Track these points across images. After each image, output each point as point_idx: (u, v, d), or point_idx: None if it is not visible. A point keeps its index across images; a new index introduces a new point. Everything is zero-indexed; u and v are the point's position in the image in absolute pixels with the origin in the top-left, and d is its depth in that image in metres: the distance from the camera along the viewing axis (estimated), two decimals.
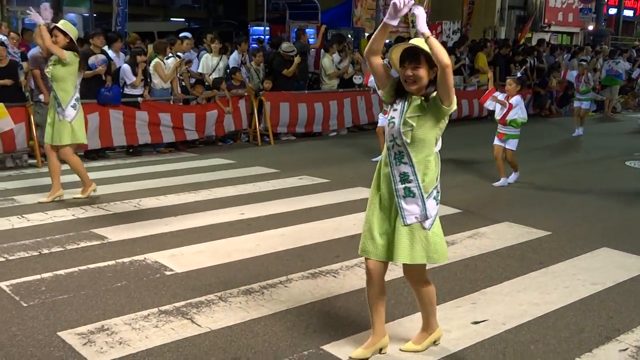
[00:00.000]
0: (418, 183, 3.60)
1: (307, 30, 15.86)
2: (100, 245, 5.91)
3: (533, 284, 5.22)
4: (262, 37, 21.42)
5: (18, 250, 5.73)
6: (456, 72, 16.09)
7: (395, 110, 3.68)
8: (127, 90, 10.77)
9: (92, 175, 9.16)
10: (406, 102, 3.63)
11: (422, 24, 3.44)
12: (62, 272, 5.21)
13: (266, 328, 4.28)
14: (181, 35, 12.89)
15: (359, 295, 4.83)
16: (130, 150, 11.03)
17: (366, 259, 3.82)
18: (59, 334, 4.13)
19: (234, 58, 12.85)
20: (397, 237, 3.63)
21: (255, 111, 12.23)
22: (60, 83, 7.29)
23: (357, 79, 13.64)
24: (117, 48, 11.58)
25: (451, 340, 4.15)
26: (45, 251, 5.72)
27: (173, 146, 11.48)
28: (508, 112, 8.51)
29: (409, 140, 3.57)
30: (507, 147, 8.73)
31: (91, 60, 10.34)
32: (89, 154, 10.53)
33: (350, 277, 5.21)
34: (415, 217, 3.61)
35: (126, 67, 10.77)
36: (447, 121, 3.65)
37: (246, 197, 7.88)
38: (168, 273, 5.23)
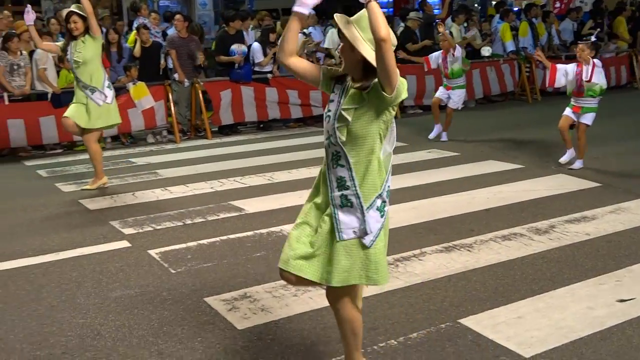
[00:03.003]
0: (356, 190, 2.92)
1: (431, 0, 15.56)
2: (238, 217, 6.16)
3: None
4: (386, 10, 21.28)
5: (164, 220, 6.09)
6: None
7: (332, 101, 2.99)
8: (258, 68, 11.07)
9: (225, 150, 9.59)
10: (343, 92, 2.96)
11: None
12: (205, 241, 5.49)
13: (402, 300, 4.31)
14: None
15: (496, 270, 4.76)
16: (261, 126, 11.35)
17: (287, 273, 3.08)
18: (206, 299, 4.36)
19: None
20: (334, 255, 2.97)
21: None
22: (89, 65, 6.99)
23: (486, 51, 13.25)
24: (247, 26, 11.88)
25: (596, 318, 3.99)
26: (189, 222, 6.04)
27: (302, 121, 11.69)
28: (591, 76, 7.43)
29: (343, 138, 2.89)
30: (581, 121, 7.65)
31: (233, 46, 10.66)
32: (223, 129, 10.94)
33: (485, 252, 5.13)
34: (354, 232, 2.95)
35: (257, 46, 11.05)
36: (393, 113, 2.92)
37: None
38: None
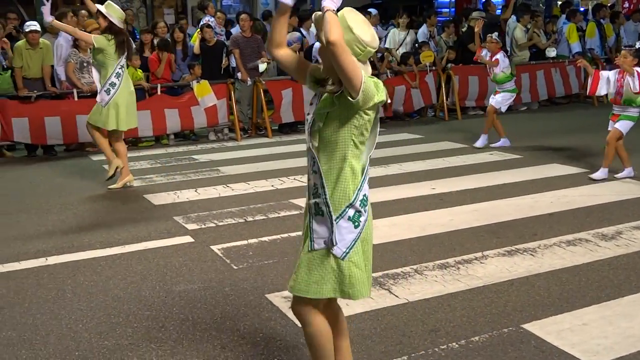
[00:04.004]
0: (326, 198, 2.79)
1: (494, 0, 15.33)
2: (299, 215, 6.20)
3: None
4: (448, 9, 21.08)
5: (226, 217, 6.19)
6: None
7: (311, 105, 2.90)
8: None
9: (286, 148, 9.66)
10: (321, 96, 2.86)
11: None
12: (266, 238, 5.55)
13: (464, 303, 4.27)
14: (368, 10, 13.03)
15: (560, 276, 4.67)
16: None
17: None
18: (267, 296, 4.41)
19: (423, 32, 12.76)
20: (301, 265, 2.89)
21: (443, 85, 12.10)
22: (101, 69, 7.16)
23: (551, 52, 12.97)
24: (308, 26, 11.94)
25: None
26: (250, 219, 6.12)
27: None
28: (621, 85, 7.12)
29: (316, 144, 2.81)
30: (615, 126, 7.26)
31: (287, 38, 10.78)
32: (283, 128, 11.04)
33: (549, 257, 5.03)
34: (324, 242, 2.83)
35: (318, 44, 11.07)
36: (366, 118, 2.75)
37: (436, 172, 7.86)
38: None
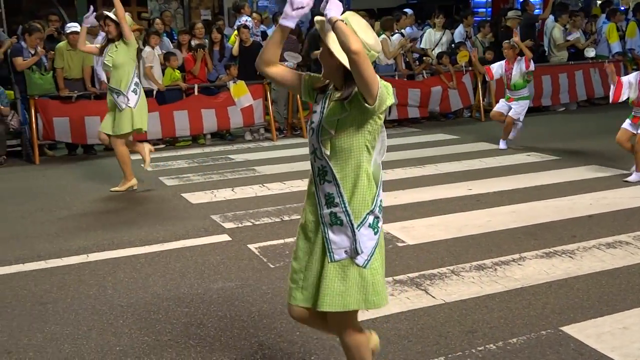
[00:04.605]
0: (345, 207, 2.74)
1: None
2: None
3: None
4: (484, 9, 20.90)
5: (262, 216, 6.24)
6: None
7: (315, 112, 2.83)
8: None
9: None
10: (326, 103, 2.80)
11: (330, 6, 2.60)
12: None
13: (501, 304, 4.24)
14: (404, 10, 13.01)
15: (599, 278, 4.60)
16: None
17: (289, 305, 2.99)
18: None
19: (459, 32, 12.69)
20: (324, 278, 2.78)
21: (479, 86, 12.01)
22: (119, 70, 7.01)
23: (590, 52, 12.79)
24: None
25: None
26: (286, 218, 6.16)
27: (396, 121, 11.66)
28: None
29: (328, 152, 2.74)
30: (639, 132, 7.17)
31: None
32: None
33: (588, 259, 4.97)
34: (345, 252, 2.77)
35: None
36: (379, 123, 2.74)
37: (473, 172, 7.82)
38: (400, 244, 5.38)
